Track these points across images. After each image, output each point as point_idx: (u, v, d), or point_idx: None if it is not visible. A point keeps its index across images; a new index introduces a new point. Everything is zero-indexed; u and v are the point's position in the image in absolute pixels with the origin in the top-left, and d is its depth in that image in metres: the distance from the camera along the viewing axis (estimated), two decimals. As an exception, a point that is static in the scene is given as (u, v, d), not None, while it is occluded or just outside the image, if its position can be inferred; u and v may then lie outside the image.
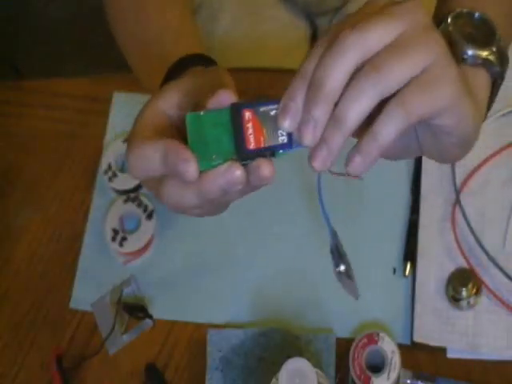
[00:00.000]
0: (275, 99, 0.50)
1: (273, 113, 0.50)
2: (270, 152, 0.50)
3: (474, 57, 0.56)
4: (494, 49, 0.57)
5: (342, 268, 0.59)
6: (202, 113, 0.51)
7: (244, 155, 0.50)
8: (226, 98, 0.50)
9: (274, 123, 0.50)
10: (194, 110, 0.53)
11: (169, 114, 0.55)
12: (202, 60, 0.66)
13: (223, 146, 0.50)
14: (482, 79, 0.57)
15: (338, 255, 0.59)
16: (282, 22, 1.08)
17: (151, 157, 0.51)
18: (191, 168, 0.49)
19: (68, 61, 1.83)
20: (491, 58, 0.57)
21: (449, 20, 0.58)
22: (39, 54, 1.92)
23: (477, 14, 0.59)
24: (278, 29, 1.07)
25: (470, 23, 0.58)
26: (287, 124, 0.49)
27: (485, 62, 0.56)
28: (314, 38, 1.11)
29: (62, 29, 1.95)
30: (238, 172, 0.49)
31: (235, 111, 0.50)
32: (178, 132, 0.55)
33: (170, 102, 0.55)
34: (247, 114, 0.50)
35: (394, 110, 0.47)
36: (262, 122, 0.50)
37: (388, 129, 0.47)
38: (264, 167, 0.49)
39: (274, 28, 1.07)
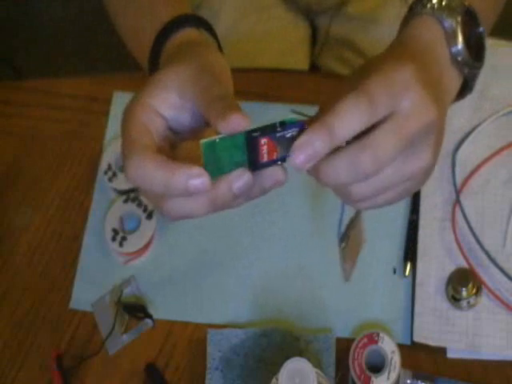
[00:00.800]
0: (291, 124, 0.51)
1: (289, 135, 0.51)
2: (281, 160, 0.52)
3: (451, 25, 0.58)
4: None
5: (343, 245, 0.61)
6: (217, 140, 0.50)
7: (257, 166, 0.52)
8: (238, 124, 0.50)
9: (288, 142, 0.51)
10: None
11: (162, 114, 0.54)
12: (194, 20, 0.64)
13: (237, 160, 0.51)
14: (454, 82, 0.59)
15: (344, 232, 0.60)
16: (282, 22, 1.08)
17: (154, 178, 0.50)
18: (204, 178, 0.49)
19: (68, 61, 1.83)
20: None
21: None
22: (39, 53, 1.92)
23: None
24: (278, 29, 1.07)
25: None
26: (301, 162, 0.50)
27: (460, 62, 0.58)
28: (313, 38, 1.11)
29: (62, 29, 1.95)
30: (248, 175, 0.51)
31: (251, 138, 0.51)
32: (171, 132, 0.54)
33: (164, 101, 0.54)
34: (263, 141, 0.51)
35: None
36: (277, 143, 0.51)
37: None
38: (278, 173, 0.51)
39: (274, 28, 1.07)
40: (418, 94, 0.51)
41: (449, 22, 0.58)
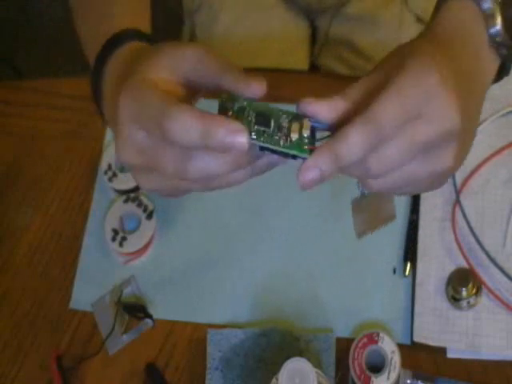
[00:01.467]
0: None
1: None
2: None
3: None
4: None
5: (356, 198, 0.60)
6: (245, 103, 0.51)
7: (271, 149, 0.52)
8: (260, 87, 0.52)
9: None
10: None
11: (184, 76, 0.53)
12: (139, 35, 0.62)
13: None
14: (491, 64, 0.59)
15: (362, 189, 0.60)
16: (282, 22, 1.08)
17: (192, 128, 0.48)
18: (243, 137, 0.49)
19: (68, 61, 1.83)
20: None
21: None
22: (39, 54, 1.92)
23: None
24: (278, 29, 1.07)
25: None
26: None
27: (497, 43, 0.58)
28: (313, 38, 1.11)
29: (62, 29, 1.95)
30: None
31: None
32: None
33: (188, 63, 0.53)
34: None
35: None
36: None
37: None
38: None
39: (274, 28, 1.07)
40: (441, 103, 0.51)
41: (488, 3, 0.57)
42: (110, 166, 0.89)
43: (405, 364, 0.74)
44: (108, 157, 0.90)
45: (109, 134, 0.93)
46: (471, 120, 0.54)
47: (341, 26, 1.07)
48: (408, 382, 0.75)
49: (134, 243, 0.85)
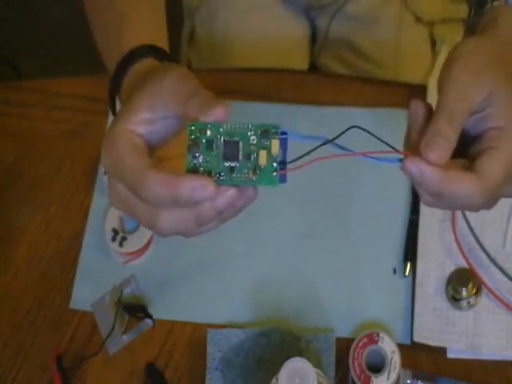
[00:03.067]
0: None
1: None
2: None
3: None
4: None
5: None
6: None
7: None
8: (223, 114, 0.52)
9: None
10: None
11: (140, 133, 0.56)
12: (154, 51, 0.65)
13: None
14: None
15: None
16: (281, 21, 1.08)
17: (162, 195, 0.52)
18: (210, 187, 0.51)
19: (68, 61, 1.83)
20: None
21: None
22: (39, 53, 1.92)
23: None
24: (278, 29, 1.07)
25: None
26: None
27: None
28: (313, 38, 1.11)
29: (63, 29, 1.95)
30: (233, 191, 0.52)
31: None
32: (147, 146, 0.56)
33: (138, 121, 0.56)
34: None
35: None
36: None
37: None
38: (250, 190, 0.54)
39: (273, 28, 1.07)
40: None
41: None
42: (109, 166, 0.89)
43: (405, 364, 0.74)
44: (108, 157, 0.90)
45: (109, 134, 0.93)
46: None
47: (340, 26, 1.07)
48: (408, 382, 0.75)
49: (134, 243, 0.85)
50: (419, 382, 0.76)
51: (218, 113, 0.52)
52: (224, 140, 0.52)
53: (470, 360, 0.78)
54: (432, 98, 0.89)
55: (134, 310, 0.83)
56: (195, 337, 0.82)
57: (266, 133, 0.51)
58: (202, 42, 1.11)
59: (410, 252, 0.83)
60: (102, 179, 0.89)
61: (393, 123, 0.90)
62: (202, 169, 0.51)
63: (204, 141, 0.52)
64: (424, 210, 0.84)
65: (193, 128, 0.52)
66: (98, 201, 0.90)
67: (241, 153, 0.51)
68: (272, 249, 0.86)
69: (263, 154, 0.51)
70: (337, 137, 0.52)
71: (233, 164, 0.52)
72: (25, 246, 0.89)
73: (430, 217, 0.84)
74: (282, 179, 0.52)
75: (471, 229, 0.81)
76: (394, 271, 0.83)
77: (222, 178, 0.51)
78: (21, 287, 0.87)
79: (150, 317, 0.83)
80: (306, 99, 0.93)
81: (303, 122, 0.91)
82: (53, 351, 0.82)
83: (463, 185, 0.53)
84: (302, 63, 1.10)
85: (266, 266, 0.85)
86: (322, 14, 1.08)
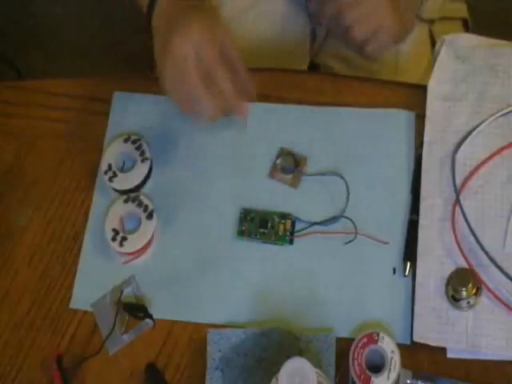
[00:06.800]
0: None
1: None
2: None
3: None
4: None
5: None
6: None
7: None
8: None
9: None
10: None
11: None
12: None
13: None
14: None
15: None
16: (281, 21, 1.08)
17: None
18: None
19: (68, 61, 1.83)
20: None
21: None
22: (39, 54, 1.92)
23: None
24: (278, 28, 1.07)
25: None
26: None
27: None
28: (313, 37, 1.11)
29: (62, 29, 1.95)
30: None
31: None
32: None
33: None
34: None
35: None
36: None
37: None
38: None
39: (273, 27, 1.07)
40: None
41: None
42: (110, 166, 0.89)
43: (405, 364, 0.74)
44: (108, 157, 0.90)
45: (109, 134, 0.93)
46: None
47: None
48: (408, 381, 0.75)
49: (134, 243, 0.85)
50: (419, 382, 0.76)
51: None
52: (260, 218, 0.86)
53: (470, 360, 0.78)
54: (432, 97, 0.89)
55: (134, 309, 0.83)
56: (195, 337, 0.82)
57: (284, 216, 0.85)
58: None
59: (409, 252, 0.83)
60: (102, 179, 0.89)
61: (393, 123, 0.90)
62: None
63: (249, 218, 0.86)
64: (424, 210, 0.85)
65: (243, 212, 0.87)
66: (98, 201, 0.90)
67: (269, 225, 0.85)
68: (272, 249, 0.86)
69: (282, 226, 0.85)
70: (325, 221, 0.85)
71: (264, 230, 0.86)
72: (25, 246, 0.89)
73: (429, 217, 0.84)
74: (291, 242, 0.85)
75: (471, 229, 0.81)
76: (394, 271, 0.83)
77: (257, 237, 0.85)
78: (21, 287, 0.87)
79: (150, 317, 0.83)
80: (305, 99, 0.93)
81: (303, 121, 0.91)
82: (53, 351, 0.82)
83: None
84: (301, 62, 1.10)
85: (266, 266, 0.85)
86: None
